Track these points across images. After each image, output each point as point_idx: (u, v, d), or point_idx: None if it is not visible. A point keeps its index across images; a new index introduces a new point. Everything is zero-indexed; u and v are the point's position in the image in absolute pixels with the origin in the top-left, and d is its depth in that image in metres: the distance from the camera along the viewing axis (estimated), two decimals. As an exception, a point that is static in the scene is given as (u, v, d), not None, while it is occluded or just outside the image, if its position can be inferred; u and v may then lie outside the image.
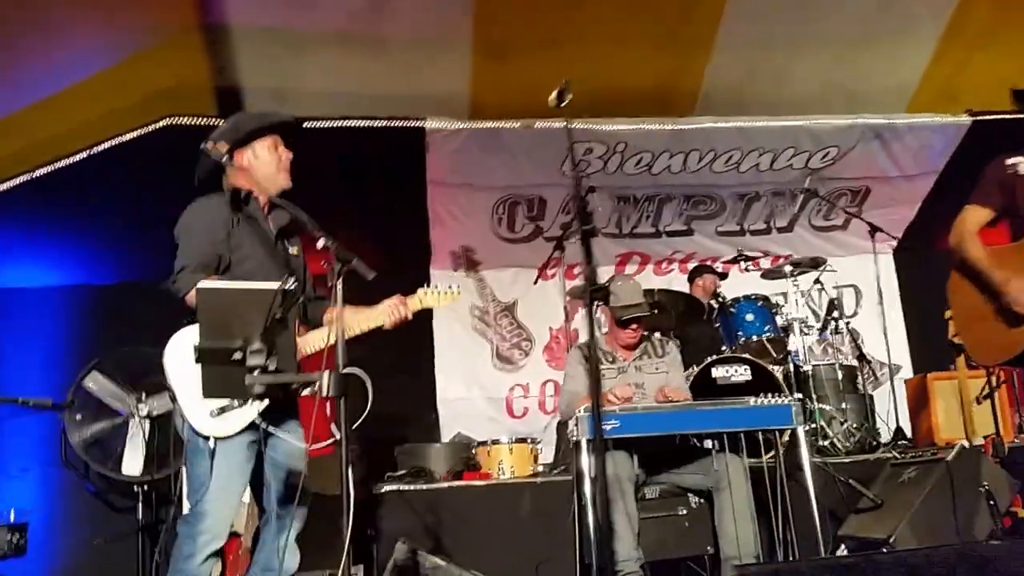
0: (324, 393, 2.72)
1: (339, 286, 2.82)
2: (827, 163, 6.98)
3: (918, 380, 5.98)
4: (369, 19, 6.06)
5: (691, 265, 7.25)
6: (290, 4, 5.93)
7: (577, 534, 3.92)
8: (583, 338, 5.50)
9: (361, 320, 3.30)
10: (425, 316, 7.16)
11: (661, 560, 4.14)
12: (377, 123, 6.45)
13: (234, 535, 4.38)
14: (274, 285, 2.74)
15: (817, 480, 4.63)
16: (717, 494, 4.04)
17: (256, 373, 2.64)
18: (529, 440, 5.42)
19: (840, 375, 6.08)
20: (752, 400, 3.95)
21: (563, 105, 3.00)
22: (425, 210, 6.98)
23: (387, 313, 3.33)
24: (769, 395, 3.95)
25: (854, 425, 5.78)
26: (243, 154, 3.32)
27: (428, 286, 3.51)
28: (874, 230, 6.39)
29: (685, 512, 4.18)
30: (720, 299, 6.20)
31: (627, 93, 6.58)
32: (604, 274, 7.64)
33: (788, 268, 6.08)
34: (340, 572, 2.88)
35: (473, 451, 5.47)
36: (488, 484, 4.90)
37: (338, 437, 3.01)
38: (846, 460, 5.10)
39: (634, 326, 4.45)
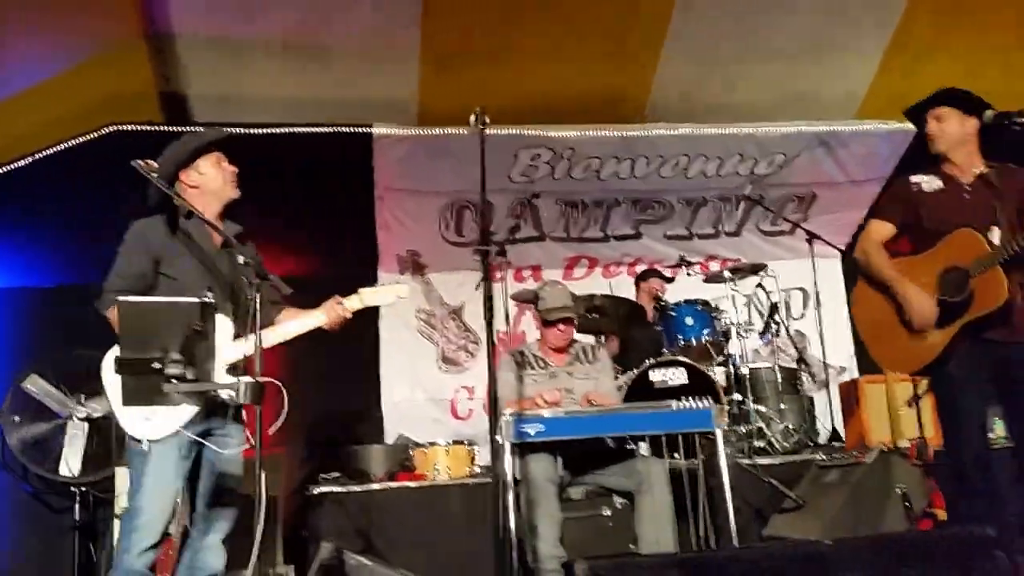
0: (240, 401, 2.84)
1: (257, 301, 3.04)
2: (773, 169, 7.10)
3: (850, 383, 6.09)
4: (315, 28, 6.14)
5: (640, 268, 7.33)
6: (235, 13, 5.99)
7: (500, 535, 3.96)
8: (531, 340, 5.56)
9: (301, 322, 3.45)
10: (371, 319, 7.28)
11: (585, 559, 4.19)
12: (324, 129, 6.51)
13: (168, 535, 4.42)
14: (194, 299, 2.84)
15: (744, 481, 4.76)
16: (638, 496, 4.12)
17: (174, 382, 2.75)
18: (467, 442, 5.48)
19: (780, 377, 6.16)
20: (673, 404, 4.03)
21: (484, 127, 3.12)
22: (372, 215, 7.03)
23: (324, 313, 3.44)
24: (690, 399, 4.02)
25: (792, 426, 5.88)
26: (188, 173, 3.47)
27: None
28: (811, 238, 6.49)
29: (609, 512, 4.27)
30: (661, 303, 6.28)
31: (576, 101, 6.67)
32: (552, 277, 7.81)
33: (727, 273, 6.17)
34: (250, 571, 2.96)
35: (411, 453, 5.52)
36: (420, 485, 4.95)
37: (252, 443, 3.14)
38: (776, 461, 5.19)
39: (561, 326, 4.53)
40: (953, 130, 3.72)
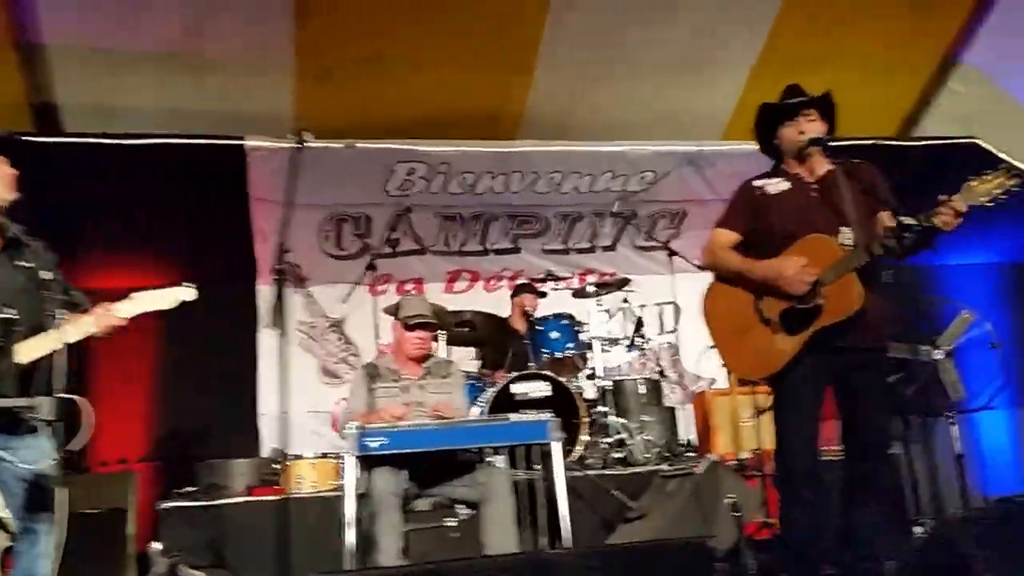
0: (42, 418, 2.85)
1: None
2: (644, 187, 7.31)
3: (700, 396, 6.31)
4: (190, 40, 6.15)
5: (520, 282, 7.45)
6: (108, 24, 5.97)
7: (344, 547, 4.01)
8: (388, 353, 5.60)
9: (75, 328, 3.33)
10: (250, 330, 7.25)
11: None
12: (198, 141, 6.49)
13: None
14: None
15: (595, 491, 4.91)
16: (482, 506, 4.20)
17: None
18: (333, 455, 5.50)
19: (644, 389, 6.34)
20: (512, 417, 4.15)
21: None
22: (250, 226, 7.01)
23: (94, 320, 3.36)
24: (531, 411, 4.14)
25: (653, 438, 6.05)
26: None
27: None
28: (671, 253, 6.71)
29: (455, 523, 4.33)
30: (529, 318, 6.41)
31: (453, 115, 6.80)
32: (434, 290, 7.90)
33: (591, 288, 6.34)
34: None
35: (275, 466, 5.52)
36: (275, 499, 4.95)
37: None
38: (625, 472, 5.34)
39: (420, 333, 4.60)
40: (819, 132, 3.62)
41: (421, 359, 4.69)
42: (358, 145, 6.58)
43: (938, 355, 7.38)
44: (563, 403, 5.82)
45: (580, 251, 7.83)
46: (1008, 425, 7.89)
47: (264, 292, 7.44)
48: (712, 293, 3.80)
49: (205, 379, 6.89)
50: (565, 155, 7.00)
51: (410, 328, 4.60)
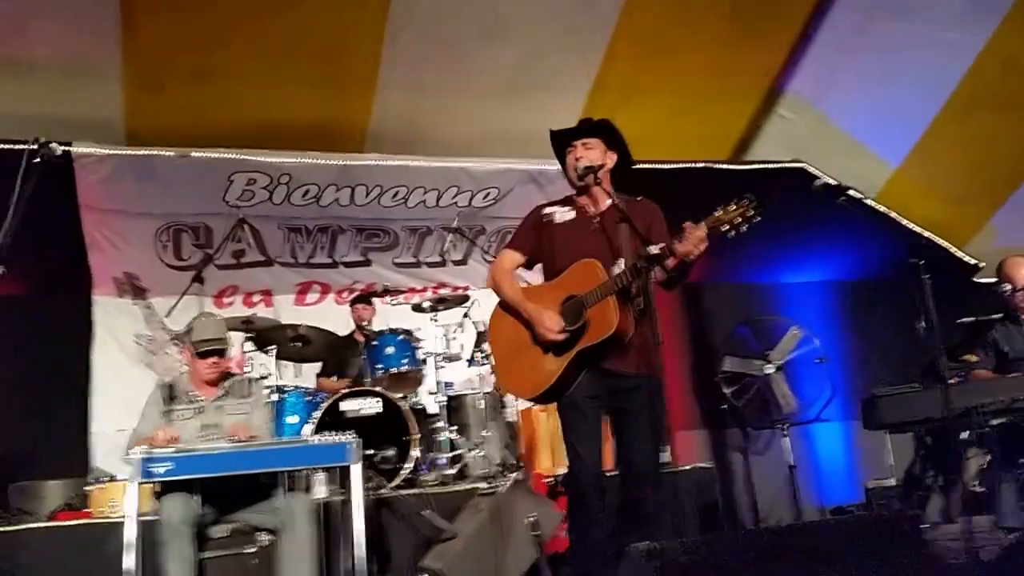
0: None
1: None
2: (489, 203, 7.36)
3: (525, 411, 6.39)
4: (11, 42, 5.90)
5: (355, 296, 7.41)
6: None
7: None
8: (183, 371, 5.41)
9: None
10: (83, 344, 7.02)
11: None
12: (20, 147, 6.21)
13: None
14: None
15: (410, 511, 4.92)
16: (280, 532, 4.16)
17: None
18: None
19: (483, 404, 6.37)
20: (312, 439, 4.13)
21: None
22: (81, 235, 6.79)
23: None
24: (327, 433, 4.12)
25: (482, 454, 6.10)
26: None
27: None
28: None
29: (253, 550, 4.26)
30: (365, 332, 6.40)
31: (292, 127, 6.70)
32: (284, 302, 7.81)
33: (427, 304, 6.37)
34: None
35: (87, 488, 5.35)
36: (72, 524, 4.81)
37: None
38: (445, 491, 5.37)
39: (214, 359, 4.48)
40: (595, 160, 3.85)
41: (217, 381, 4.59)
42: (193, 154, 6.42)
43: (769, 369, 7.72)
44: (395, 419, 5.84)
45: (431, 265, 7.85)
46: (841, 437, 8.25)
47: (100, 303, 7.25)
48: (496, 315, 4.01)
49: (33, 394, 6.65)
50: (409, 170, 6.98)
51: (201, 356, 4.49)
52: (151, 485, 4.59)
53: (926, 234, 8.04)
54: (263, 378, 6.07)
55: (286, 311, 7.61)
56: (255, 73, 6.34)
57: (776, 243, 7.94)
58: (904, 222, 7.98)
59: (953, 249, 8.33)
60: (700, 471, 6.21)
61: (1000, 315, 5.22)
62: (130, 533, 3.75)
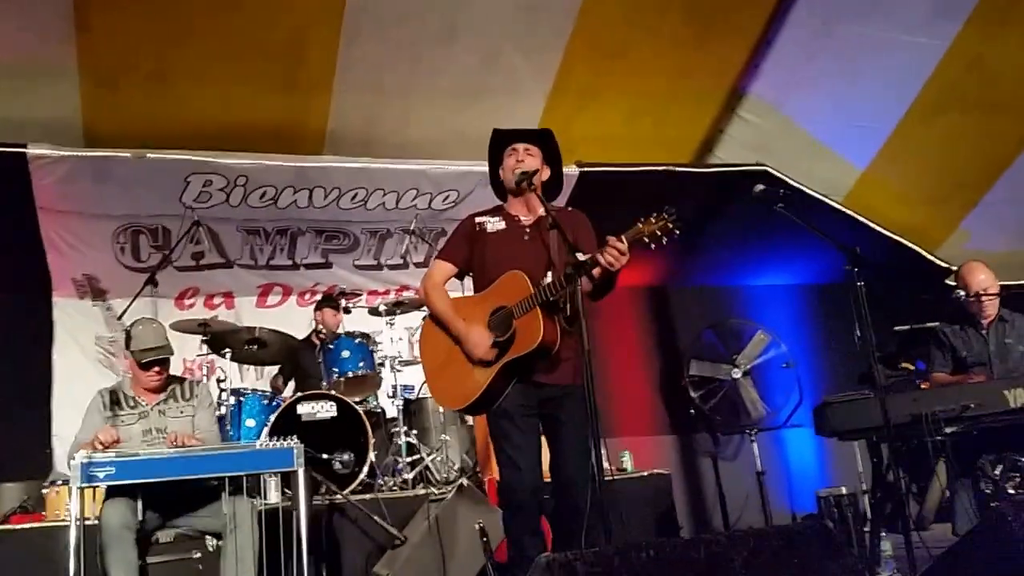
0: None
1: None
2: (449, 205, 7.31)
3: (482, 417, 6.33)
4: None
5: (320, 297, 7.37)
6: None
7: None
8: (125, 376, 5.34)
9: None
10: (44, 345, 6.96)
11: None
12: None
13: None
14: None
15: (364, 517, 4.87)
16: (225, 537, 4.11)
17: None
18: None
19: (443, 409, 6.33)
20: (257, 443, 4.07)
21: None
22: (39, 236, 6.71)
23: None
24: (274, 439, 4.06)
25: (439, 458, 6.06)
26: None
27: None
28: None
29: (199, 555, 4.22)
30: (321, 336, 6.35)
31: (251, 128, 6.63)
32: (245, 304, 7.75)
33: (383, 307, 6.32)
34: None
35: (43, 492, 5.29)
36: (23, 528, 4.76)
37: None
38: (397, 496, 5.33)
39: (156, 369, 4.42)
40: (533, 166, 3.80)
41: (161, 387, 4.53)
42: (149, 155, 6.35)
43: (736, 374, 7.71)
44: (353, 424, 5.79)
45: (393, 267, 7.81)
46: (812, 443, 8.22)
47: (60, 304, 7.18)
48: (426, 327, 3.96)
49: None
50: (367, 172, 6.91)
51: (143, 367, 4.42)
52: (102, 489, 4.61)
53: (895, 237, 8.04)
54: (221, 381, 6.07)
55: (248, 313, 7.57)
56: (212, 73, 6.28)
57: (742, 246, 7.95)
58: (873, 226, 7.97)
59: (924, 252, 8.31)
60: (657, 477, 6.18)
61: (935, 324, 5.20)
62: (72, 537, 3.68)
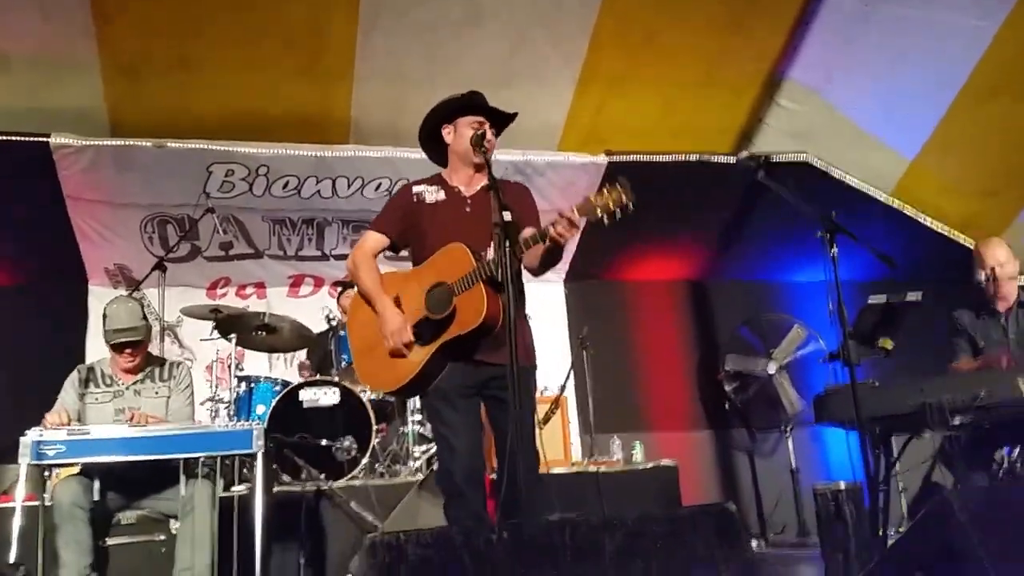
0: None
1: None
2: (479, 193, 7.16)
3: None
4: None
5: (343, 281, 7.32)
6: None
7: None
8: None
9: None
10: (79, 332, 7.12)
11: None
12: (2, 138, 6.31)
13: None
14: None
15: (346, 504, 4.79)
16: (182, 520, 4.06)
17: None
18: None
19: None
20: (216, 425, 4.03)
21: None
22: (70, 225, 6.86)
23: None
24: (234, 421, 4.01)
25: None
26: None
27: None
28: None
29: (163, 538, 4.19)
30: (331, 322, 6.31)
31: (269, 119, 6.62)
32: (278, 294, 7.78)
33: (396, 296, 6.22)
34: None
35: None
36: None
37: None
38: (385, 483, 5.23)
39: (129, 351, 4.41)
40: (491, 138, 3.65)
41: (138, 369, 4.51)
42: (170, 145, 6.41)
43: (772, 369, 7.38)
44: (354, 412, 5.72)
45: (420, 257, 7.71)
46: (850, 440, 7.80)
47: (95, 292, 7.34)
48: (354, 303, 3.77)
49: (31, 381, 6.73)
50: (390, 161, 6.82)
51: (115, 349, 4.40)
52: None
53: (945, 231, 7.56)
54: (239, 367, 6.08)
55: (279, 303, 7.59)
56: (230, 63, 6.28)
57: (782, 240, 7.59)
58: (922, 219, 7.52)
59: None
60: (662, 469, 5.95)
61: (916, 295, 4.74)
62: (17, 516, 3.69)
